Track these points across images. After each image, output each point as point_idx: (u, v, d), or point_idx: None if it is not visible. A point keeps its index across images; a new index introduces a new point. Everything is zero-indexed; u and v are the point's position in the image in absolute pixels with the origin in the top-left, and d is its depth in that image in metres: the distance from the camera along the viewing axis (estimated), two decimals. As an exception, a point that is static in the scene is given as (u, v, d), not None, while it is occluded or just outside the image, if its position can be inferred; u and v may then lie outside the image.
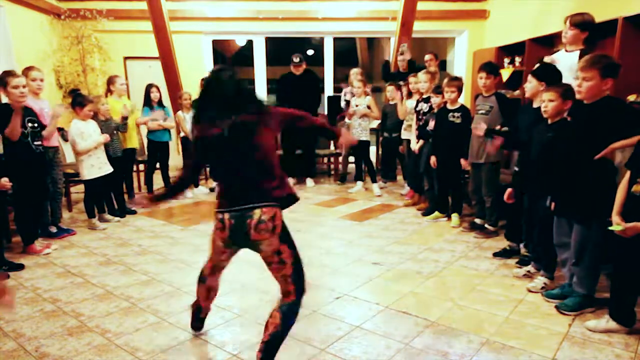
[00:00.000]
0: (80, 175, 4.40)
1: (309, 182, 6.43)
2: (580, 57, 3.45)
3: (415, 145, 4.83)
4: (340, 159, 6.74)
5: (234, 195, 1.95)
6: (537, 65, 3.50)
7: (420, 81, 4.84)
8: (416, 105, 4.90)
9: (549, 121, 2.86)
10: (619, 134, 2.38)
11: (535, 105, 3.21)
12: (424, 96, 4.79)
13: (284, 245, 1.99)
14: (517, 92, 5.60)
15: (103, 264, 3.50)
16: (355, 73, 6.30)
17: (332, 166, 7.20)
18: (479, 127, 3.63)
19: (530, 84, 3.23)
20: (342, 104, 6.61)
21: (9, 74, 3.50)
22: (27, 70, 4.00)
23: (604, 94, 2.41)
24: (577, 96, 2.50)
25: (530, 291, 2.90)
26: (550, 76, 3.12)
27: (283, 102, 6.33)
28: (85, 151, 4.24)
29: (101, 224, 4.48)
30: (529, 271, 3.13)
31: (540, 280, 2.94)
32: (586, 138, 2.45)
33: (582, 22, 3.46)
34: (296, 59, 6.06)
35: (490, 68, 3.89)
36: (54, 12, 6.65)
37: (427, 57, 5.87)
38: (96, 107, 4.51)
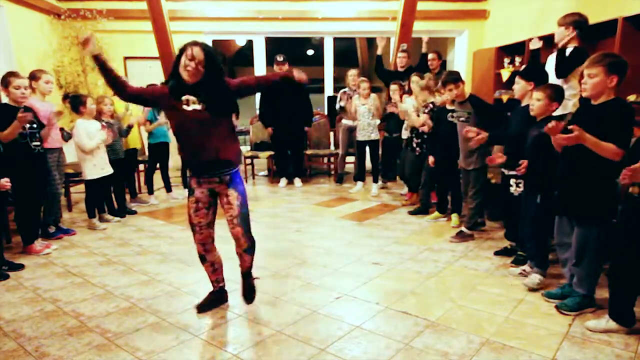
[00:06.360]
0: (82, 175, 4.40)
1: (297, 182, 6.47)
2: (574, 53, 3.50)
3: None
4: (338, 158, 6.72)
5: None
6: (523, 67, 3.57)
7: (417, 81, 4.85)
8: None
9: (537, 119, 2.95)
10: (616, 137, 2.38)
11: (523, 103, 3.29)
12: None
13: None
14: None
15: (103, 264, 3.50)
16: (352, 75, 6.28)
17: (331, 166, 7.20)
18: (475, 134, 3.42)
19: (519, 85, 3.32)
20: (337, 106, 6.51)
21: (12, 74, 3.56)
22: (40, 73, 4.03)
23: (610, 92, 2.41)
24: (583, 94, 2.50)
25: (529, 288, 2.91)
26: (538, 76, 3.24)
27: (266, 103, 6.33)
28: (94, 149, 4.25)
29: (101, 224, 4.48)
30: (524, 270, 3.13)
31: (535, 277, 2.94)
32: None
33: (564, 22, 3.57)
34: (280, 58, 5.94)
35: (454, 77, 3.85)
36: (54, 12, 6.65)
37: (430, 56, 5.86)
38: (100, 106, 4.52)
